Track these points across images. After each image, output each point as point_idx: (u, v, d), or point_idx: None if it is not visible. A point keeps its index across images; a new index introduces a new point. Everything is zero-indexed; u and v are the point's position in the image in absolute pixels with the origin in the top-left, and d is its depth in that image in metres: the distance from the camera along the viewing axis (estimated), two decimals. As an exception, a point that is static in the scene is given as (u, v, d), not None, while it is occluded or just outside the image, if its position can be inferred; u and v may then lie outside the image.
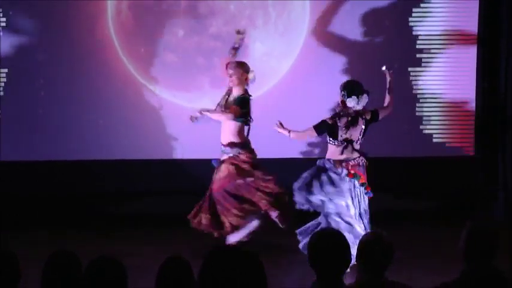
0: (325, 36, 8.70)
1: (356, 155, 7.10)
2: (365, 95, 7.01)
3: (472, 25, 8.77)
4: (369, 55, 8.75)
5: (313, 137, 7.35)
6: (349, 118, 7.03)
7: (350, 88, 7.04)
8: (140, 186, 8.80)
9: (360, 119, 7.06)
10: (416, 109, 8.86)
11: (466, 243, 4.01)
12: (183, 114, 8.43)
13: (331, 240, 3.76)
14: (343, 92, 7.03)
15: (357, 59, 8.74)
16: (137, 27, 8.65)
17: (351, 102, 7.01)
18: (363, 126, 7.07)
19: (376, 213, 7.17)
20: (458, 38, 8.81)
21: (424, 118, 8.87)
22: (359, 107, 7.03)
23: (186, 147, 8.36)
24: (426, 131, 8.87)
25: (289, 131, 7.20)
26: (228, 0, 8.64)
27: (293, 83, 8.64)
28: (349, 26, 8.71)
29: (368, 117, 7.08)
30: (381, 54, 8.74)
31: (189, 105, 8.08)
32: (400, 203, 8.82)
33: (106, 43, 8.61)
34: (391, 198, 8.79)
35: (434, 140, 8.88)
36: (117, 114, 8.71)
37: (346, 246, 3.77)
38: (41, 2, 8.51)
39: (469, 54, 8.82)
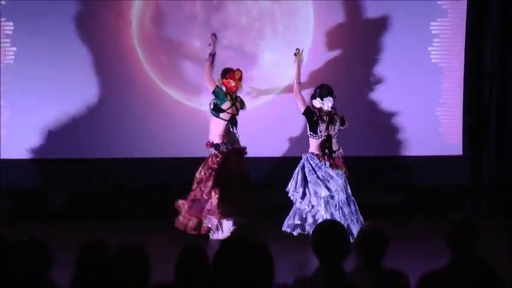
0: (328, 46, 8.71)
1: (336, 147, 7.22)
2: (329, 97, 7.12)
3: (459, 41, 8.77)
4: (369, 63, 8.77)
5: (299, 103, 7.36)
6: (328, 117, 7.15)
7: (316, 91, 7.23)
8: (159, 181, 8.81)
9: (336, 117, 7.23)
10: (412, 114, 8.88)
11: (450, 234, 4.03)
12: (198, 115, 8.48)
13: (333, 231, 3.77)
14: (311, 95, 7.26)
15: (358, 67, 8.76)
16: (158, 39, 8.68)
17: (316, 104, 7.20)
18: (339, 124, 7.21)
19: (371, 208, 7.20)
20: (447, 52, 8.82)
21: (421, 124, 8.87)
22: (325, 108, 7.13)
23: (203, 146, 8.37)
24: (419, 133, 8.88)
25: (298, 81, 7.39)
26: (239, 14, 8.66)
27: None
28: (350, 35, 8.73)
29: (339, 118, 7.28)
30: (380, 60, 8.77)
31: (203, 108, 8.09)
32: (393, 198, 8.83)
33: (130, 53, 8.65)
34: (385, 194, 8.81)
35: (426, 141, 8.88)
36: (140, 116, 8.73)
37: (347, 236, 3.78)
38: (71, 17, 8.55)
39: (457, 66, 8.82)
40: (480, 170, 8.94)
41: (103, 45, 8.65)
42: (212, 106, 7.58)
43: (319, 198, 7.18)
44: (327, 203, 7.17)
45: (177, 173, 8.62)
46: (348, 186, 7.27)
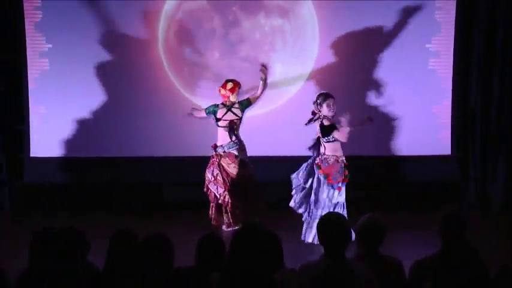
0: (332, 56, 8.69)
1: (322, 151, 7.09)
2: (315, 104, 7.10)
3: (448, 50, 8.73)
4: (368, 71, 8.75)
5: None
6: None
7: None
8: (178, 178, 8.82)
9: (318, 122, 7.11)
10: (408, 119, 8.85)
11: (442, 224, 4.01)
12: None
13: (336, 223, 3.77)
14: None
15: (359, 73, 8.73)
16: (182, 51, 8.70)
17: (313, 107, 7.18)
18: (318, 129, 7.09)
19: (369, 202, 7.18)
20: (437, 63, 8.79)
21: (414, 125, 8.84)
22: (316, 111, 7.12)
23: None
24: (413, 135, 8.84)
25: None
26: (254, 29, 8.66)
27: (305, 96, 8.63)
28: (352, 47, 8.69)
29: (319, 124, 7.09)
30: (378, 68, 8.75)
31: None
32: (390, 194, 8.78)
33: (157, 64, 8.67)
34: (380, 190, 8.76)
35: (421, 143, 8.84)
36: (164, 119, 8.75)
37: (348, 227, 3.78)
38: (106, 33, 8.58)
39: (447, 75, 8.78)
40: (466, 168, 8.90)
41: (133, 57, 8.68)
42: (212, 117, 7.66)
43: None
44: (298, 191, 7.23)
45: (197, 170, 8.65)
46: (320, 191, 7.02)
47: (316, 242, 6.68)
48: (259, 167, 7.83)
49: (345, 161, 7.07)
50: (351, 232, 3.81)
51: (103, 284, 3.80)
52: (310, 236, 6.99)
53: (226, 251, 3.82)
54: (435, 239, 4.13)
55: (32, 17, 8.56)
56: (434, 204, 7.76)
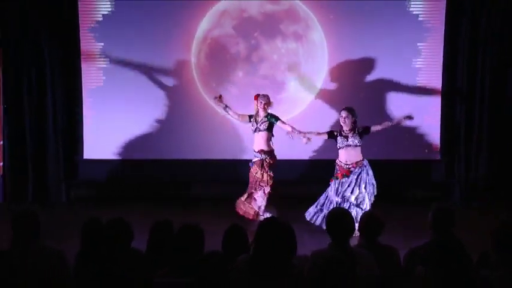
0: (339, 74, 8.68)
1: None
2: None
3: (437, 74, 8.70)
4: (371, 87, 8.71)
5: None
6: None
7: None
8: (207, 176, 8.84)
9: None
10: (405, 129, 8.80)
11: (433, 218, 4.00)
12: (240, 127, 8.50)
13: (342, 216, 3.78)
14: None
15: (363, 89, 8.71)
16: (211, 70, 8.73)
17: None
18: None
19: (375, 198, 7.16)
20: (427, 85, 8.75)
21: (409, 135, 8.80)
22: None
23: (244, 150, 8.40)
24: (410, 143, 8.81)
25: None
26: (272, 51, 8.67)
27: (316, 109, 8.65)
28: (356, 66, 8.66)
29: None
30: (379, 85, 8.73)
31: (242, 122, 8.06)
32: (389, 193, 8.72)
33: (190, 81, 8.71)
34: (384, 189, 8.71)
35: (415, 149, 8.81)
36: (195, 127, 8.76)
37: (353, 220, 3.79)
38: (148, 57, 8.61)
39: (437, 96, 8.76)
40: (452, 170, 8.85)
41: (171, 75, 8.72)
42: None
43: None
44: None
45: (223, 171, 8.68)
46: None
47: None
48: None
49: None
50: (354, 224, 3.82)
51: (145, 266, 3.82)
52: None
53: (248, 239, 3.84)
54: (426, 231, 4.12)
55: (90, 39, 8.62)
56: (426, 201, 7.79)
